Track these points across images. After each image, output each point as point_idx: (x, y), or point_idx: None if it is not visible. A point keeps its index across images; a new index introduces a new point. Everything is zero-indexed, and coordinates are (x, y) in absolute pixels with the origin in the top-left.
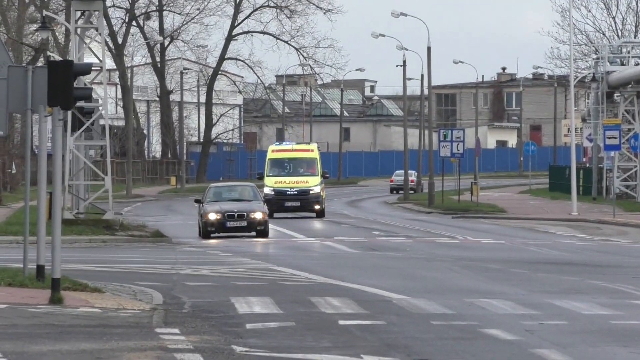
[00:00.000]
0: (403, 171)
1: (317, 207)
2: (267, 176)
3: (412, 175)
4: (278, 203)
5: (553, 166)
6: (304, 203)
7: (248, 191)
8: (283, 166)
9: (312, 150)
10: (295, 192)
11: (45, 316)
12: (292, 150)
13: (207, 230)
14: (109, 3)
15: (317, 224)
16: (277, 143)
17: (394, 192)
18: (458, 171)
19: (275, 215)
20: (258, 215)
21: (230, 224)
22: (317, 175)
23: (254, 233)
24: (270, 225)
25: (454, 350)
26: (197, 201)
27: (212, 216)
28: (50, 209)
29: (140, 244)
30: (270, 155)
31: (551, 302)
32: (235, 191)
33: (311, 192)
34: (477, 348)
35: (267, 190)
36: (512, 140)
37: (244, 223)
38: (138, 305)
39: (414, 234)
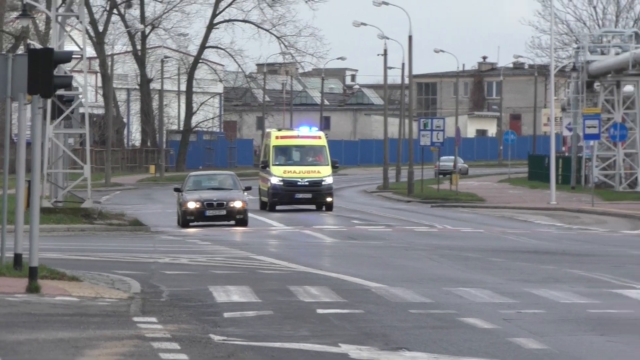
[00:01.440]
0: (448, 157)
1: (329, 199)
2: (274, 165)
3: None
4: (287, 194)
5: (532, 155)
6: (316, 195)
7: (228, 180)
8: (290, 154)
9: (319, 138)
10: (307, 183)
11: (23, 305)
12: (298, 137)
13: (186, 219)
14: None
15: (296, 214)
16: (279, 128)
17: (441, 175)
18: (438, 160)
19: (279, 207)
20: (237, 204)
21: (209, 212)
22: (328, 165)
23: (233, 222)
24: (250, 214)
25: (432, 339)
26: (176, 190)
27: (192, 205)
28: (29, 197)
29: (118, 232)
30: (274, 141)
31: (529, 291)
32: (215, 180)
33: (323, 183)
34: (455, 337)
35: (274, 180)
36: (492, 129)
37: (224, 212)
38: (116, 294)
39: (393, 222)
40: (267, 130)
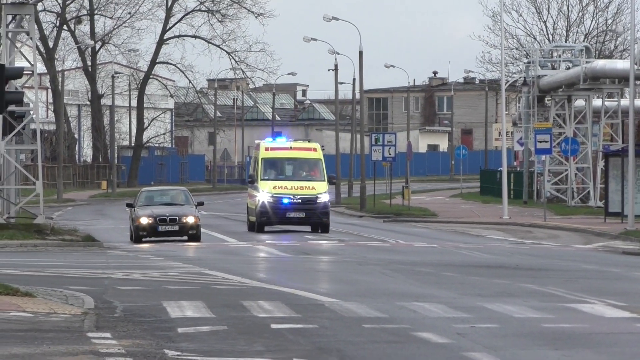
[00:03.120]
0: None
1: (325, 219)
2: (262, 179)
3: None
4: (278, 213)
5: (484, 170)
6: (310, 214)
7: (180, 195)
8: (281, 168)
9: (315, 150)
10: (300, 201)
11: None
12: (291, 148)
13: (139, 234)
14: (40, 7)
15: (246, 228)
16: (271, 139)
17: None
18: (390, 175)
19: (268, 228)
20: (190, 219)
21: (162, 228)
22: (324, 180)
23: (186, 237)
24: (202, 230)
25: (386, 354)
26: (128, 205)
27: (144, 220)
28: None
29: (71, 248)
30: (263, 154)
31: (483, 305)
32: (167, 195)
33: (318, 200)
34: (409, 351)
35: (262, 196)
36: (443, 144)
37: (176, 227)
38: (69, 309)
39: (346, 237)
40: (257, 141)
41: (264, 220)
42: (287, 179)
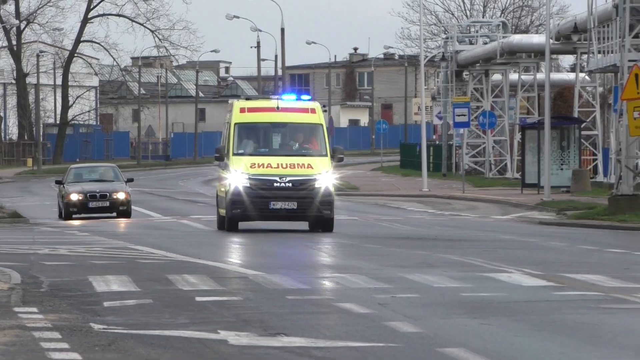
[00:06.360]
0: None
1: (327, 211)
2: (235, 154)
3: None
4: (257, 202)
5: (404, 144)
6: (305, 204)
7: (110, 172)
8: (263, 137)
9: (313, 111)
10: (290, 185)
11: None
12: (278, 109)
13: (69, 211)
14: None
15: (170, 203)
16: (246, 97)
17: None
18: None
19: (243, 225)
20: (121, 196)
21: (92, 204)
22: (326, 155)
23: (115, 213)
24: (133, 207)
25: (309, 324)
26: (57, 182)
27: (74, 197)
28: None
29: None
30: (237, 117)
31: (403, 276)
32: (97, 172)
33: (317, 184)
34: (331, 322)
35: (235, 179)
36: (364, 119)
37: (107, 203)
38: None
39: None
40: (230, 101)
41: (238, 214)
42: (272, 153)
